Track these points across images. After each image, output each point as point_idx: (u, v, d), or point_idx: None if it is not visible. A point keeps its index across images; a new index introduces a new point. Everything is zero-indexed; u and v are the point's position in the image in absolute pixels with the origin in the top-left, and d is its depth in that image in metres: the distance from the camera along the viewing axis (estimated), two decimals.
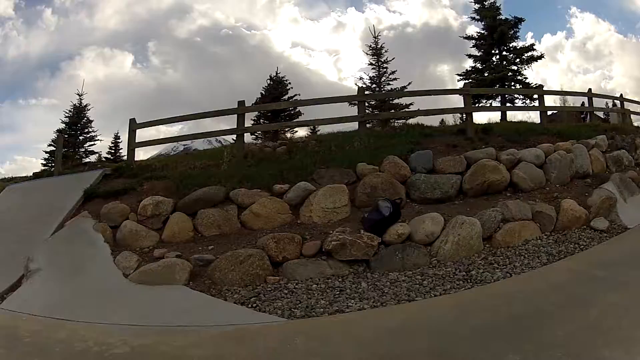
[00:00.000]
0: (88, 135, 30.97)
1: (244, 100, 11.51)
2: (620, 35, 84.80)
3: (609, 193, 9.79)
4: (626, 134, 14.40)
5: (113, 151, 28.66)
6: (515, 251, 7.83)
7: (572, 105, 19.44)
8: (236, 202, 8.87)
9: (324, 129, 16.26)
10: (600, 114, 20.73)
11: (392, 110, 20.83)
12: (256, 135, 21.71)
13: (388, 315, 5.77)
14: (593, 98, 17.03)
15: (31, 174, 17.98)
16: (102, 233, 8.19)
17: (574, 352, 4.03)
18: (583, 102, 17.02)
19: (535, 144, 10.99)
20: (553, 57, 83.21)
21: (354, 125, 12.07)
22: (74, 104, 31.35)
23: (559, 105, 19.38)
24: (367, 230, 7.72)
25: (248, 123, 12.66)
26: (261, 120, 22.63)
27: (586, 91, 17.24)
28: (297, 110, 23.00)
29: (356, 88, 20.01)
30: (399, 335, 4.81)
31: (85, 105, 31.88)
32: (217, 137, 15.33)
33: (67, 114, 31.02)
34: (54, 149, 19.63)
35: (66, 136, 28.25)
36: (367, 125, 13.25)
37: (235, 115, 11.45)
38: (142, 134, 13.56)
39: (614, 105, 20.16)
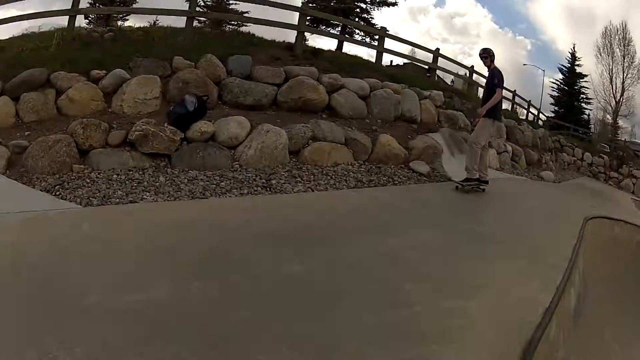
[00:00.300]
0: None
1: None
2: (495, 25, 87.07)
3: (434, 142, 10.74)
4: (468, 101, 15.61)
5: None
6: (323, 171, 8.38)
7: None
8: (55, 87, 8.78)
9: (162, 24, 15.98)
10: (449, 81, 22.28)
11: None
12: (89, 20, 21.25)
13: (178, 210, 6.12)
14: (439, 58, 17.68)
15: None
16: None
17: (364, 275, 4.05)
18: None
19: (362, 78, 11.57)
20: (414, 17, 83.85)
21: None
22: None
23: (407, 59, 19.97)
24: (170, 124, 8.04)
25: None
26: (97, 5, 21.86)
27: (433, 49, 17.80)
28: None
29: None
30: (182, 231, 4.92)
31: None
32: None
33: None
34: None
35: None
36: (198, 25, 13.72)
37: None
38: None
39: (465, 74, 21.39)
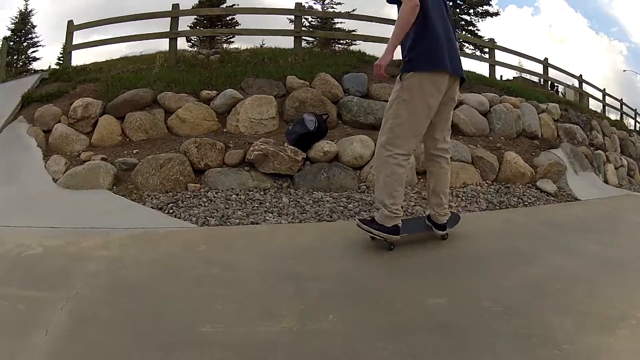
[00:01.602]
0: (32, 42, 30.83)
1: (178, 4, 11.26)
2: (591, 31, 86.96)
3: (558, 159, 9.69)
4: (582, 113, 14.38)
5: (62, 62, 28.43)
6: (452, 192, 7.58)
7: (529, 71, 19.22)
8: (163, 106, 8.66)
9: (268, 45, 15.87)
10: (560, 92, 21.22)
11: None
12: (192, 43, 21.38)
13: (303, 232, 5.59)
14: (549, 68, 16.99)
15: None
16: (35, 137, 8.18)
17: (509, 308, 3.55)
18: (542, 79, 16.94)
19: (480, 93, 10.87)
20: (512, 28, 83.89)
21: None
22: (20, 10, 31.15)
23: (517, 71, 19.17)
24: (291, 144, 7.53)
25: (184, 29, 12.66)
26: (197, 28, 22.21)
27: (542, 59, 17.12)
28: (235, 20, 23.00)
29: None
30: (309, 255, 4.56)
31: (30, 11, 31.74)
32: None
33: (13, 21, 30.91)
34: None
35: (11, 43, 27.95)
36: (306, 45, 13.33)
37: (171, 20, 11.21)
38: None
39: (572, 84, 20.43)
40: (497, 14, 25.79)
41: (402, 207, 4.68)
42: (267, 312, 3.33)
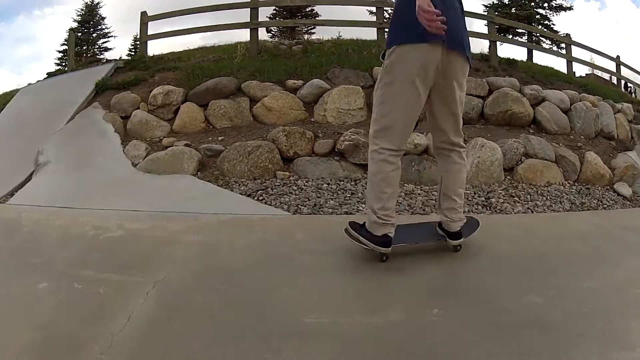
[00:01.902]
0: (101, 33, 31.76)
1: None
2: None
3: (633, 162, 9.25)
4: None
5: (133, 53, 28.78)
6: (537, 190, 7.39)
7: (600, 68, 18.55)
8: (248, 95, 8.62)
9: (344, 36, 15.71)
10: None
11: None
12: (272, 33, 21.62)
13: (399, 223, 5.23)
14: (621, 67, 16.52)
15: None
16: (112, 123, 8.11)
17: (596, 313, 3.34)
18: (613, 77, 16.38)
19: (560, 89, 10.43)
20: (578, 23, 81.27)
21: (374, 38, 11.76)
22: (86, 2, 32.15)
23: (589, 68, 18.76)
24: None
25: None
26: (277, 19, 22.41)
27: (614, 57, 16.67)
28: (315, 12, 23.19)
29: None
30: (405, 247, 4.11)
31: (98, 3, 32.78)
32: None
33: (79, 13, 31.95)
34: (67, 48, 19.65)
35: (79, 34, 28.75)
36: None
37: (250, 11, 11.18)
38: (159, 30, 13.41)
39: None
40: (570, 8, 25.77)
41: (394, 213, 3.88)
42: (372, 304, 3.23)
